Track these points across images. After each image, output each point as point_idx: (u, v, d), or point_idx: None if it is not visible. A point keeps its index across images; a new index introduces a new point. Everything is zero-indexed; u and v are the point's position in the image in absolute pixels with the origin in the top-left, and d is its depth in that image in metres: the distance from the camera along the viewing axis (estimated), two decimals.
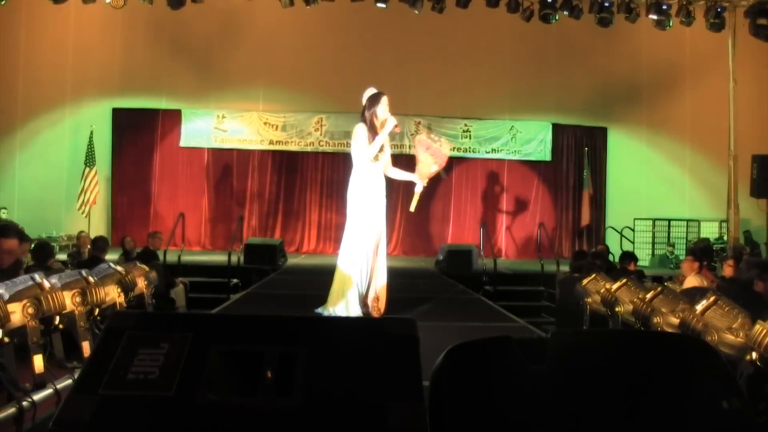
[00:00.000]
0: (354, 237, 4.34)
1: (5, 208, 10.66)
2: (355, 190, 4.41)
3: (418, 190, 4.55)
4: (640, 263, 10.60)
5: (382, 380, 1.38)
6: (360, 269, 4.29)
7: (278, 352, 1.44)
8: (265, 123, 12.26)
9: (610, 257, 9.79)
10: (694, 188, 12.58)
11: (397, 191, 12.33)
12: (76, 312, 3.06)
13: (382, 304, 4.39)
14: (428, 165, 4.44)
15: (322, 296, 4.51)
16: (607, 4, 9.86)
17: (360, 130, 4.39)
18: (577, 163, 12.67)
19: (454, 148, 12.35)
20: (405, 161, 12.14)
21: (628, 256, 6.98)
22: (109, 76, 11.99)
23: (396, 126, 4.39)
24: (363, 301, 4.34)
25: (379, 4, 9.86)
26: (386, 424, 1.29)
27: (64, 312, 2.98)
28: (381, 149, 4.41)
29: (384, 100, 4.45)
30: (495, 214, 12.62)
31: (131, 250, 7.72)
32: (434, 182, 12.50)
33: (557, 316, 6.95)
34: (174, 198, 12.20)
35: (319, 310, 4.44)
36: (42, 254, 5.83)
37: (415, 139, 4.70)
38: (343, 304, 4.27)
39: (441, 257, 9.59)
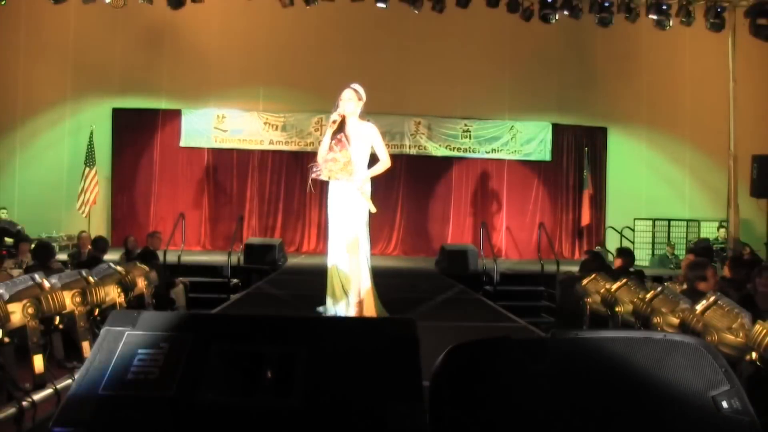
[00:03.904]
0: (330, 238, 4.36)
1: (5, 208, 10.65)
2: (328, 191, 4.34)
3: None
4: (640, 263, 10.58)
5: (382, 380, 1.38)
6: (339, 269, 4.24)
7: (278, 352, 1.44)
8: (265, 123, 12.26)
9: (609, 257, 9.79)
10: (694, 188, 12.57)
11: (397, 191, 12.37)
12: (76, 312, 3.07)
13: (367, 310, 4.22)
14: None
15: (322, 296, 4.50)
16: (607, 4, 9.86)
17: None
18: (577, 163, 12.67)
19: (454, 148, 12.40)
20: (406, 161, 12.32)
21: (623, 252, 6.86)
22: (109, 76, 11.98)
23: (333, 122, 4.09)
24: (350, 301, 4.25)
25: (379, 4, 9.86)
26: (386, 424, 1.29)
27: (64, 312, 2.99)
28: (340, 147, 4.07)
29: (344, 95, 4.22)
30: (495, 214, 12.62)
31: (133, 250, 7.73)
32: (433, 182, 12.61)
33: (557, 316, 6.94)
34: (174, 198, 12.19)
35: (320, 309, 4.43)
36: (42, 254, 5.84)
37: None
38: (343, 303, 4.25)
39: (441, 257, 9.59)
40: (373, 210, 4.25)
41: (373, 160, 4.33)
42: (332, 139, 4.10)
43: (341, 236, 4.25)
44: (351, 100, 4.20)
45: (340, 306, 4.25)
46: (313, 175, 4.14)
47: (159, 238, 8.19)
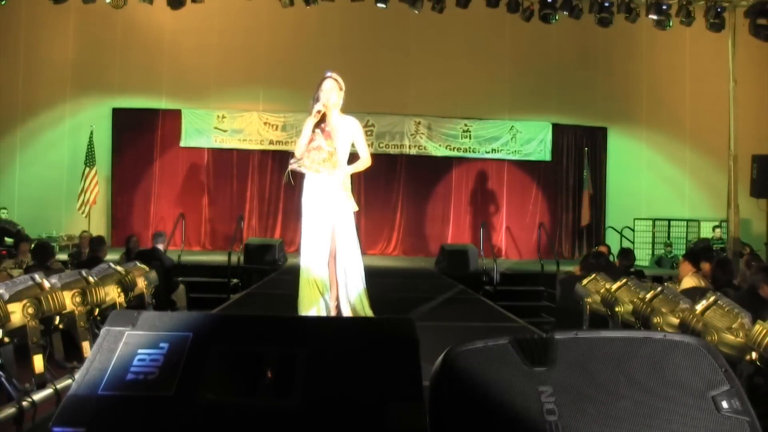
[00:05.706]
0: (305, 238, 3.93)
1: (5, 208, 10.66)
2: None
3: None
4: (640, 263, 10.59)
5: (382, 380, 1.38)
6: (320, 273, 3.86)
7: (278, 352, 1.44)
8: (265, 123, 12.26)
9: (610, 257, 9.77)
10: (694, 188, 12.58)
11: (397, 192, 12.38)
12: (76, 312, 3.06)
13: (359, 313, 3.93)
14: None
15: None
16: (607, 4, 9.85)
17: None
18: (577, 164, 12.67)
19: (454, 148, 12.40)
20: (406, 161, 12.33)
21: (625, 254, 6.92)
22: (109, 76, 11.99)
23: (318, 111, 3.76)
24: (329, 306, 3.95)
25: (379, 4, 9.86)
26: (386, 424, 1.29)
27: (64, 312, 2.98)
28: (325, 137, 3.82)
29: (324, 84, 3.87)
30: (495, 214, 12.62)
31: (134, 250, 7.74)
32: (433, 182, 12.62)
33: (557, 316, 6.95)
34: (174, 198, 12.19)
35: None
36: (42, 254, 5.84)
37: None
38: (324, 309, 3.91)
39: (441, 257, 9.59)
40: (355, 208, 4.00)
41: (353, 159, 4.05)
42: (315, 129, 3.83)
43: (323, 236, 3.87)
44: (333, 90, 3.88)
45: (316, 312, 3.86)
46: (293, 167, 3.87)
47: (164, 239, 8.19)
